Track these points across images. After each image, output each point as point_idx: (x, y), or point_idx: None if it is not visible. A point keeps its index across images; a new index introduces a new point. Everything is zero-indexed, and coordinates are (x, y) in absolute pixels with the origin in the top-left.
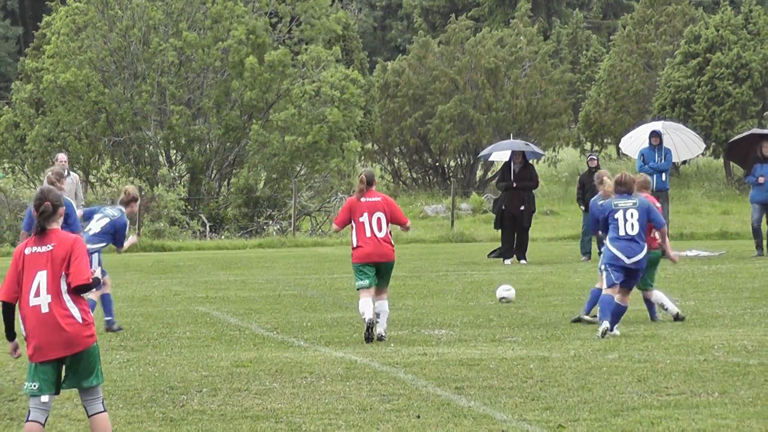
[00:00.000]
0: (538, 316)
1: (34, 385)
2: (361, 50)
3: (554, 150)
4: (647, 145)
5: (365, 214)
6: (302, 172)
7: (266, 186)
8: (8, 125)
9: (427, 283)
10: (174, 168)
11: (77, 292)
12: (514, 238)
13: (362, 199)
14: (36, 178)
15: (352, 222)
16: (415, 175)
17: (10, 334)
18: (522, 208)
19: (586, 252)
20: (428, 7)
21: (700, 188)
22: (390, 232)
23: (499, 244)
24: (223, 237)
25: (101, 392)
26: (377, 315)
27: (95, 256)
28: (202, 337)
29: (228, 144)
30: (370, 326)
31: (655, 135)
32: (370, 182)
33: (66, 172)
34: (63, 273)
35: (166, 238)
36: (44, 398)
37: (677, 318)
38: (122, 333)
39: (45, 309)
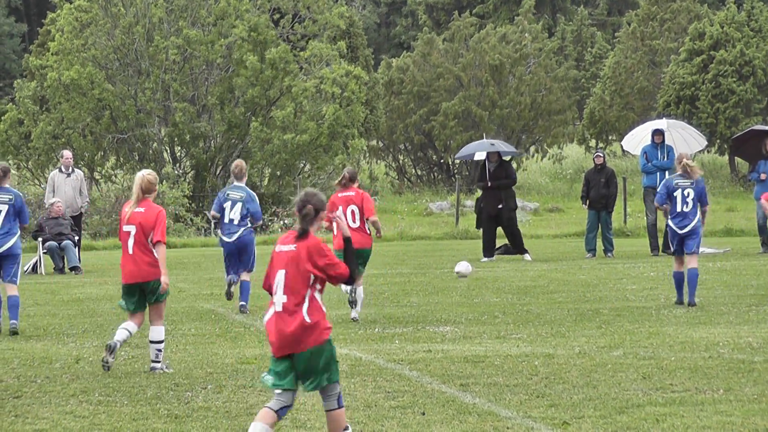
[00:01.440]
0: (543, 313)
1: (268, 378)
2: (366, 47)
3: (559, 147)
4: (650, 142)
5: (340, 208)
6: (306, 169)
7: (270, 183)
8: (12, 122)
9: (431, 280)
10: (178, 165)
11: (339, 282)
12: (494, 237)
13: (339, 194)
14: (40, 175)
15: None
16: (419, 172)
17: None
18: (500, 206)
19: (591, 249)
20: (433, 4)
21: (705, 185)
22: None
23: (504, 241)
24: None
25: (336, 389)
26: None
27: (252, 238)
28: (207, 334)
29: (232, 141)
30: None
31: (658, 133)
32: (352, 179)
33: (71, 169)
34: (311, 275)
35: (170, 235)
36: (277, 391)
37: None
38: None
39: (278, 308)
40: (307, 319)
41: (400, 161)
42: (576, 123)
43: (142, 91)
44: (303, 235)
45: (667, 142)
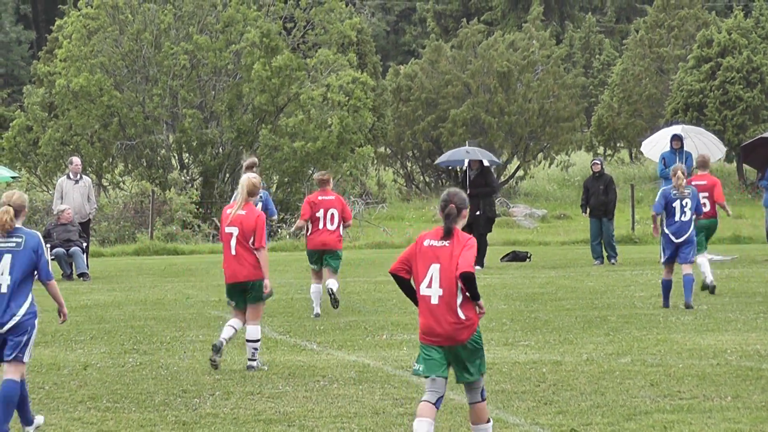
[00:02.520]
0: (551, 320)
1: (419, 367)
2: (374, 54)
3: (567, 154)
4: (668, 148)
5: (321, 210)
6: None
7: (278, 190)
8: (21, 129)
9: None
10: (187, 171)
11: (463, 279)
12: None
13: (319, 198)
14: (48, 181)
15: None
16: (427, 179)
17: (415, 300)
18: (477, 213)
19: (598, 256)
20: (441, 11)
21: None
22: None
23: (513, 248)
24: None
25: (481, 384)
26: (331, 290)
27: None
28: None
29: (240, 147)
30: (318, 316)
31: (677, 139)
32: (323, 181)
33: (79, 176)
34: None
35: (178, 241)
36: (437, 381)
37: (705, 287)
38: (135, 336)
39: (434, 300)
40: (462, 315)
41: (408, 168)
42: (584, 130)
43: (150, 98)
44: (450, 233)
45: (686, 148)
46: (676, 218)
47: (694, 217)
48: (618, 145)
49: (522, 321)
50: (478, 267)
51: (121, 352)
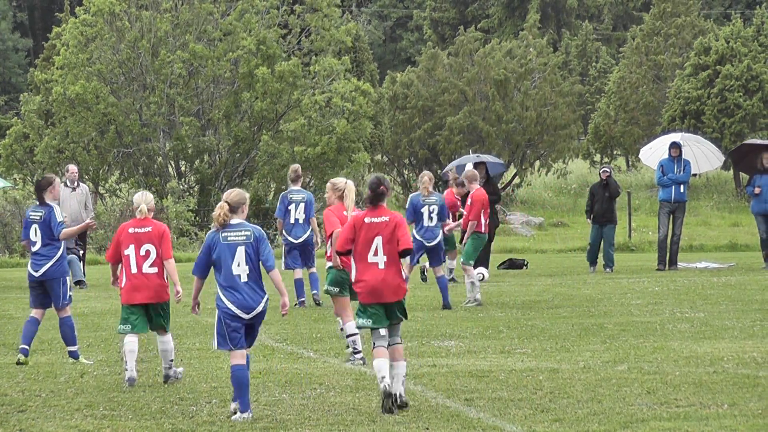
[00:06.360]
0: (548, 327)
1: (368, 321)
2: (371, 62)
3: (564, 162)
4: (667, 156)
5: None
6: (311, 184)
7: (276, 197)
8: (17, 136)
9: (436, 294)
10: (183, 179)
11: (402, 254)
12: (488, 250)
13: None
14: None
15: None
16: None
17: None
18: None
19: (593, 263)
20: (438, 19)
21: (709, 200)
22: None
23: (509, 256)
24: None
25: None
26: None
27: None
28: (212, 348)
29: (237, 155)
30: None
31: (675, 146)
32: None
33: (76, 183)
34: (398, 240)
35: (175, 249)
36: (381, 331)
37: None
38: None
39: (381, 266)
40: (404, 276)
41: (405, 176)
42: (581, 138)
43: (147, 106)
44: (381, 208)
45: (685, 156)
46: (425, 223)
47: (440, 223)
48: (614, 152)
49: (518, 329)
50: (484, 272)
51: (118, 359)
